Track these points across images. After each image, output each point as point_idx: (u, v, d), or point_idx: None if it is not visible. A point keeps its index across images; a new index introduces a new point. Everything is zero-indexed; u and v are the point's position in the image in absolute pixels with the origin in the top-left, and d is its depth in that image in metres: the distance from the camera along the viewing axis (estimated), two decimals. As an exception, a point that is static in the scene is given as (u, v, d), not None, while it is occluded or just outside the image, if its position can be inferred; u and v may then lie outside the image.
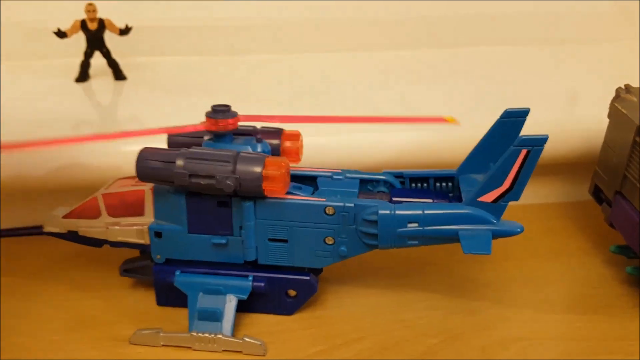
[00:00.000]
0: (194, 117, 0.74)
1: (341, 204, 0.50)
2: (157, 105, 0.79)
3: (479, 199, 0.48)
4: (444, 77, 0.89)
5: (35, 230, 0.56)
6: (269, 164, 0.48)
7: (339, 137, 0.69)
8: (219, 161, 0.48)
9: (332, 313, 0.54)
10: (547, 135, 0.46)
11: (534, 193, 0.71)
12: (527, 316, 0.54)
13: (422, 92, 0.83)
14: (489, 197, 0.48)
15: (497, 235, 0.48)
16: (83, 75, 0.86)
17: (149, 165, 0.49)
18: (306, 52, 0.98)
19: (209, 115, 0.51)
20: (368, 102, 0.80)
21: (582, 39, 1.01)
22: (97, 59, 0.86)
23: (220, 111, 0.51)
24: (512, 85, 0.85)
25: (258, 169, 0.48)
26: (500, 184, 0.47)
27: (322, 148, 0.65)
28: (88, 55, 0.85)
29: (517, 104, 0.52)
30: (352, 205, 0.50)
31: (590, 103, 0.78)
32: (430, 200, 0.52)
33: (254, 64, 0.94)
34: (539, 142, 0.46)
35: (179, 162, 0.48)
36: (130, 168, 0.51)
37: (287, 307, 0.54)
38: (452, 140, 0.69)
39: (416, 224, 0.48)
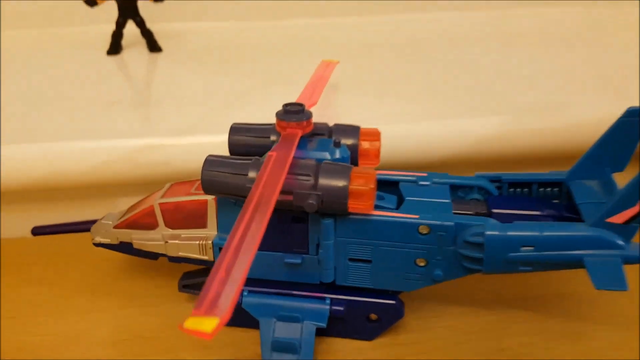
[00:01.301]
0: (234, 94, 0.67)
1: (438, 223, 0.42)
2: (195, 80, 0.71)
3: (608, 220, 0.41)
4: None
5: (85, 227, 0.51)
6: (355, 177, 0.41)
7: (409, 126, 0.62)
8: (298, 174, 0.41)
9: (418, 338, 0.48)
10: None
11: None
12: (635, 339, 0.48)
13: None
14: (620, 218, 0.40)
15: (627, 261, 0.41)
16: (115, 47, 0.78)
17: (216, 178, 0.41)
18: (346, 16, 0.89)
19: (279, 116, 0.43)
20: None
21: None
22: (130, 28, 0.77)
23: (293, 112, 0.43)
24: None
25: (343, 184, 0.41)
26: (634, 204, 0.40)
27: (392, 140, 0.58)
28: (120, 24, 0.77)
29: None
30: (451, 224, 0.42)
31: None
32: (538, 212, 0.45)
33: (292, 30, 0.85)
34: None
35: (252, 174, 0.41)
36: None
37: (367, 332, 0.47)
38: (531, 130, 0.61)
39: (532, 248, 0.41)
